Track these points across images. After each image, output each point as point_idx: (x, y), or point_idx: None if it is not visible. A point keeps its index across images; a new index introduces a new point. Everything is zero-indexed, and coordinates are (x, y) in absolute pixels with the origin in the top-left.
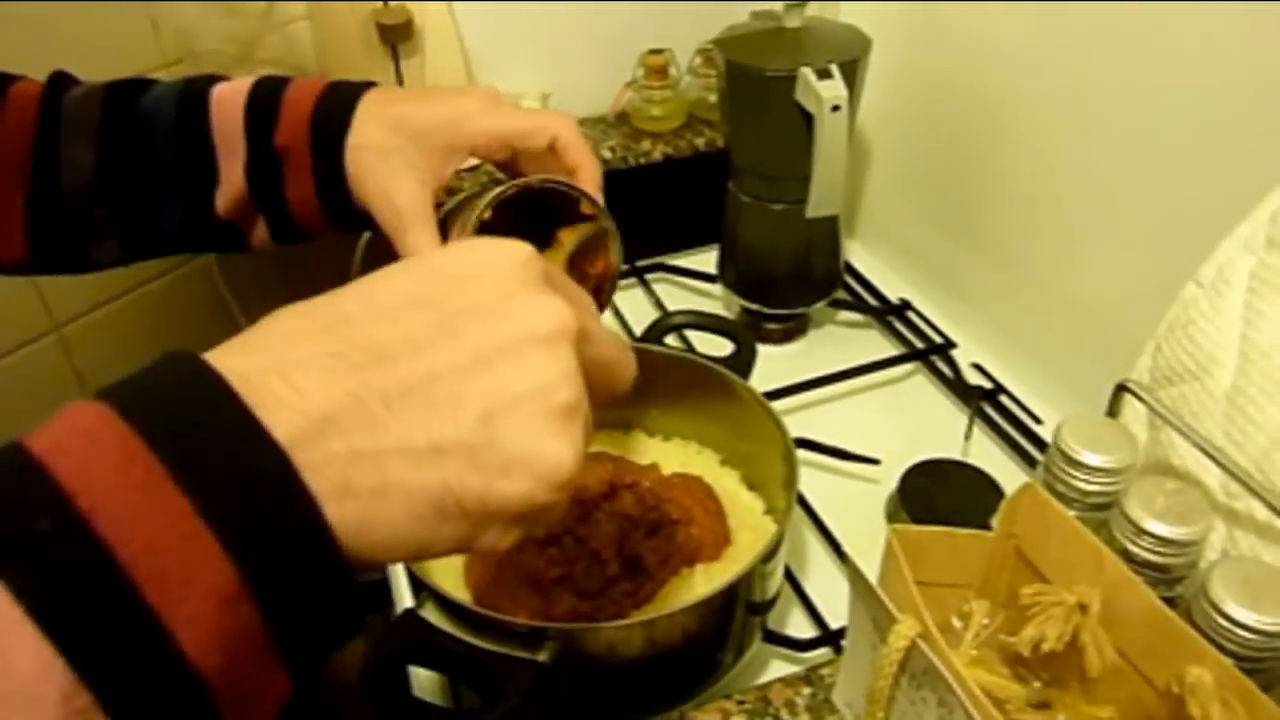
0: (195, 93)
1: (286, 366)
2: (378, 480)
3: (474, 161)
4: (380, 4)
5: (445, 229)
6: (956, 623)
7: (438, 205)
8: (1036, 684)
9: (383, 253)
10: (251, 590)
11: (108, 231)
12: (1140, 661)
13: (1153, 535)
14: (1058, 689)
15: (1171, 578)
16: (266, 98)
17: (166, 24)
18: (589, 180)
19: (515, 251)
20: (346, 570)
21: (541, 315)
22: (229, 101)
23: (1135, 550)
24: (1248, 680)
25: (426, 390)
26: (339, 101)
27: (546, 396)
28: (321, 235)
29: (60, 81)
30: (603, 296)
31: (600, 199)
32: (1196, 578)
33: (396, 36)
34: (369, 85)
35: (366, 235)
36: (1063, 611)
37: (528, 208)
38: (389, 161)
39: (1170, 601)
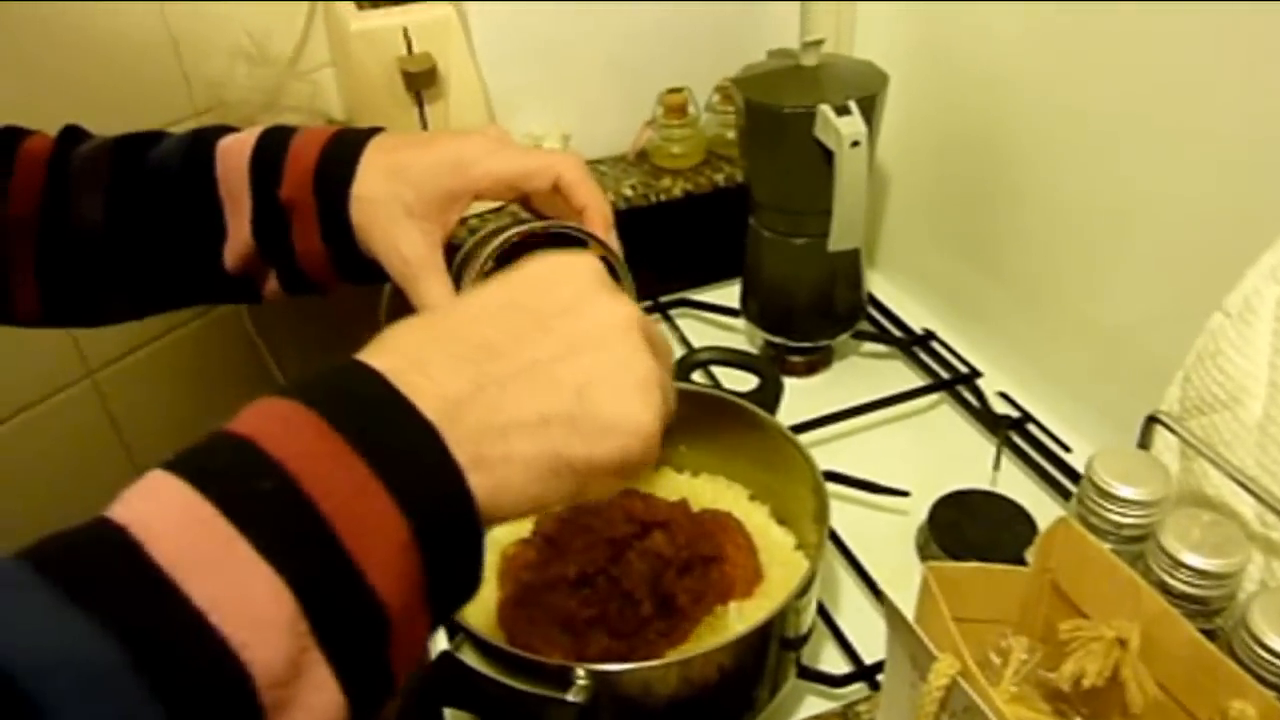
0: (201, 146)
1: (422, 363)
2: (503, 450)
3: (491, 204)
4: (405, 53)
5: (465, 267)
6: (995, 659)
7: (457, 246)
8: (1077, 719)
9: (406, 298)
10: (418, 542)
11: (118, 286)
12: (1182, 696)
13: (1190, 568)
14: None
15: (1210, 610)
16: (271, 150)
17: (196, 75)
18: (597, 218)
19: (586, 263)
20: (481, 530)
21: (614, 309)
22: (234, 155)
23: (1173, 583)
24: None
25: (530, 375)
26: (343, 152)
27: (626, 371)
28: (333, 288)
29: (70, 136)
30: None
31: (610, 236)
32: (1235, 610)
33: (421, 84)
34: (375, 132)
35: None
36: (1102, 646)
37: (544, 244)
38: (391, 213)
39: (1209, 634)
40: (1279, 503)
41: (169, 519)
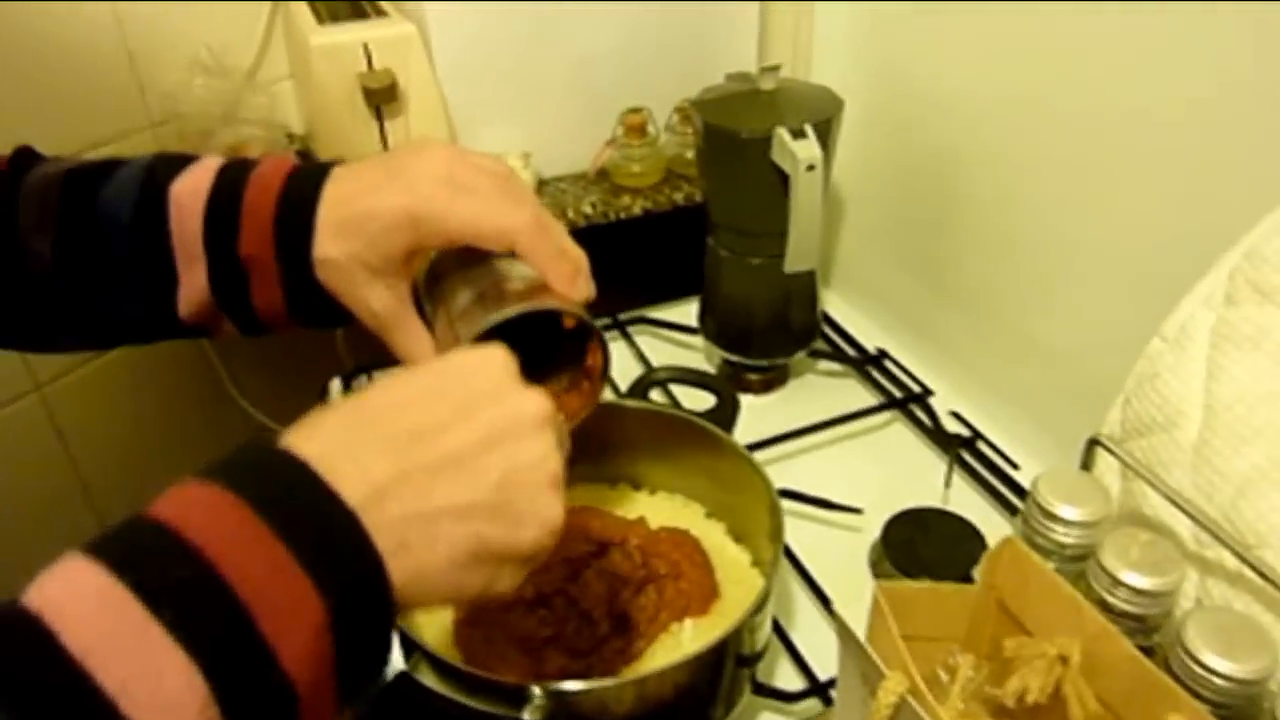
0: (153, 191)
1: (348, 449)
2: (429, 535)
3: None
4: (365, 69)
5: (436, 290)
6: (943, 675)
7: (424, 279)
8: None
9: None
10: (332, 624)
11: (67, 323)
12: (1121, 710)
13: (1128, 586)
14: None
15: (1148, 627)
16: (226, 201)
17: (152, 86)
18: (558, 278)
19: (496, 355)
20: (393, 616)
21: (526, 405)
22: (187, 206)
23: (1112, 601)
24: None
25: (456, 462)
26: (299, 205)
27: (540, 469)
28: (290, 330)
29: (22, 162)
30: (596, 385)
31: (580, 286)
32: (1172, 626)
33: (381, 99)
34: (328, 170)
35: None
36: (1044, 663)
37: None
38: (354, 275)
39: (1148, 650)
40: (1212, 523)
41: (84, 605)
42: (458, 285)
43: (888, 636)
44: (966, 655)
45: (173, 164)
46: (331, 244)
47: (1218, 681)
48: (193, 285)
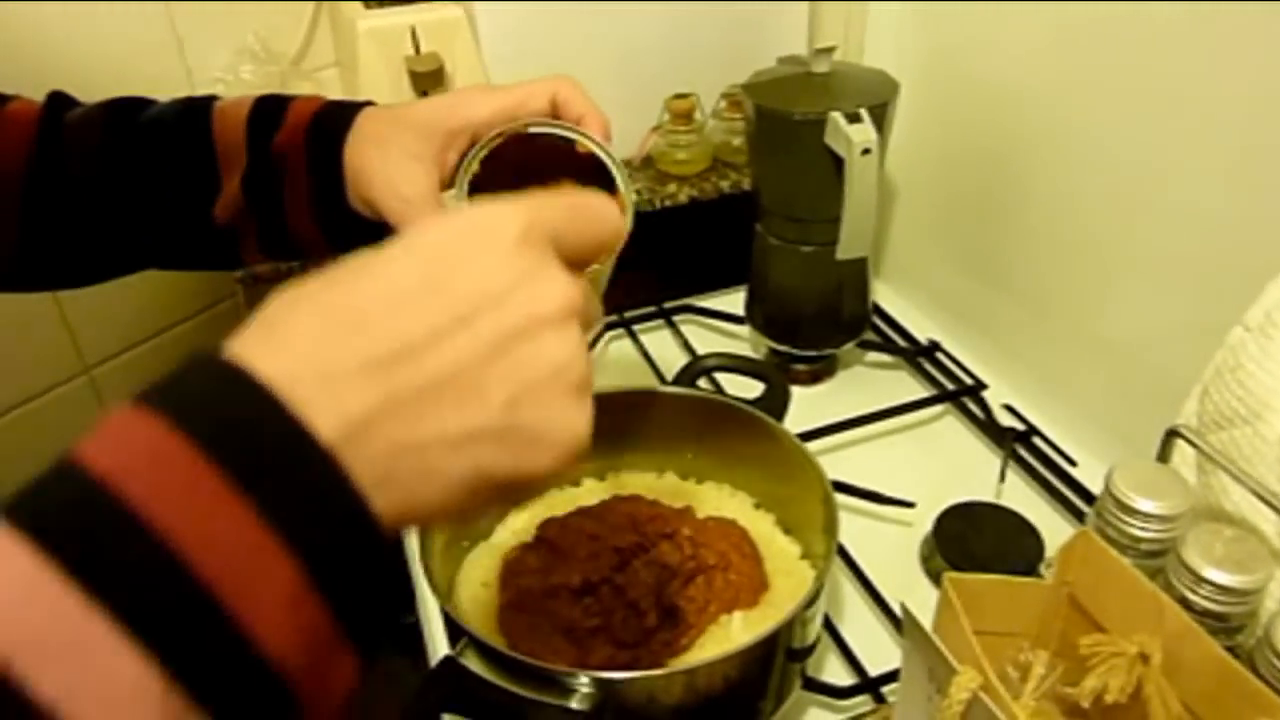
0: (198, 104)
1: (322, 372)
2: (419, 467)
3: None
4: (412, 53)
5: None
6: (1012, 673)
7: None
8: None
9: None
10: (315, 585)
11: (104, 240)
12: (1204, 713)
13: (1213, 584)
14: None
15: (1231, 627)
16: (271, 106)
17: (200, 74)
18: (595, 126)
19: (510, 223)
20: (391, 550)
21: (547, 296)
22: (232, 114)
23: (1194, 599)
24: None
25: (454, 381)
26: (339, 109)
27: (561, 377)
28: (316, 253)
29: (59, 100)
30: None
31: (608, 145)
32: (1257, 626)
33: (428, 84)
34: (370, 102)
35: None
36: (1125, 662)
37: (528, 166)
38: (390, 152)
39: (1230, 651)
40: None
41: (9, 592)
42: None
43: (958, 630)
44: (1039, 652)
45: (211, 96)
46: (368, 129)
47: None
48: (231, 188)
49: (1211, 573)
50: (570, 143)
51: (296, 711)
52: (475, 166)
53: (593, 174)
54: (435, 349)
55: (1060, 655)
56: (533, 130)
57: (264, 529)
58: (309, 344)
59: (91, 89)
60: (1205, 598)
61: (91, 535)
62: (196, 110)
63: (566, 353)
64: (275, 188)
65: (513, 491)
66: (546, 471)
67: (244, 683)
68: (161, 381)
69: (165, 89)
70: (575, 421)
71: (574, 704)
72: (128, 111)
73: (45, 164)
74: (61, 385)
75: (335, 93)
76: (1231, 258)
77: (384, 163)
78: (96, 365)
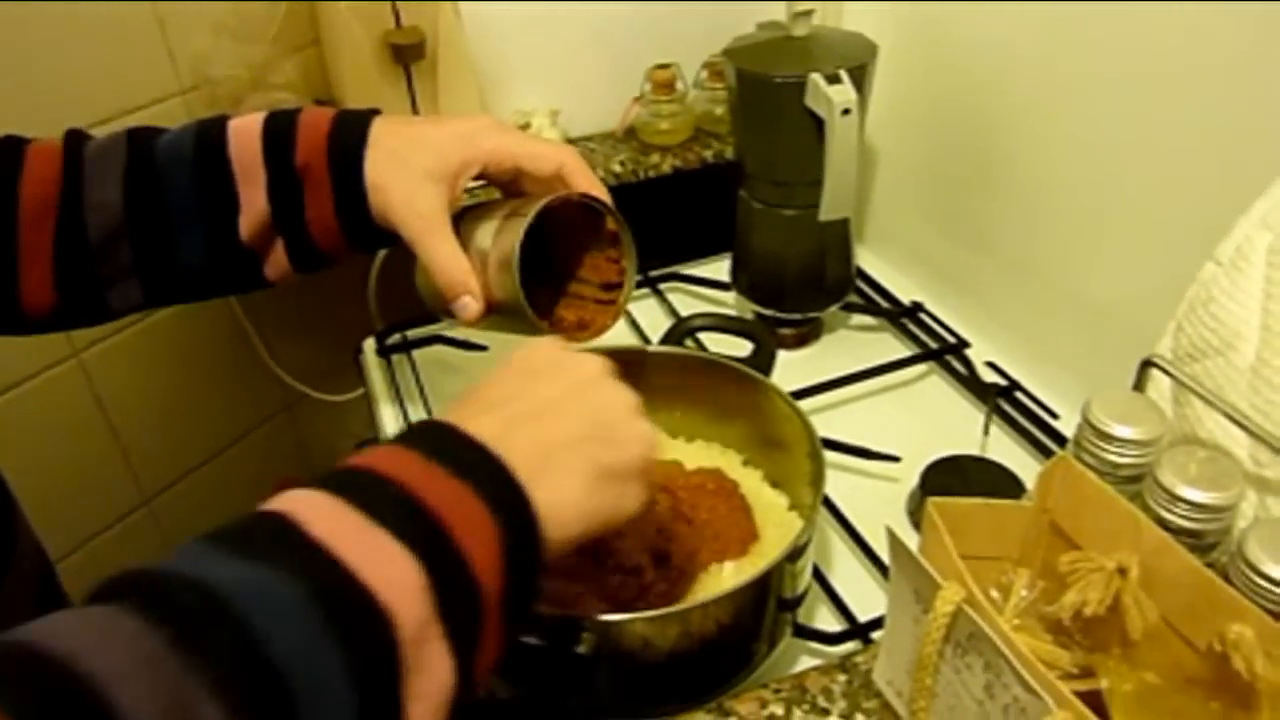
0: (212, 126)
1: (466, 418)
2: (554, 463)
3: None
4: (393, 26)
5: (458, 234)
6: (995, 594)
7: (455, 217)
8: (1078, 651)
9: (395, 269)
10: (504, 541)
11: (131, 273)
12: (1181, 624)
13: (1188, 501)
14: (1099, 655)
15: (1206, 544)
16: (282, 122)
17: (182, 52)
18: (605, 197)
19: (547, 342)
20: (543, 548)
21: (589, 364)
22: (245, 131)
23: (1170, 518)
24: None
25: (550, 410)
26: (353, 122)
27: (619, 401)
28: (338, 260)
29: (77, 136)
30: (621, 298)
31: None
32: (1230, 542)
33: (410, 56)
34: (376, 111)
35: (381, 254)
36: (1103, 576)
37: (568, 213)
38: (409, 170)
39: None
40: (1273, 438)
41: (317, 509)
42: (485, 212)
43: (942, 551)
44: (1020, 571)
45: (224, 115)
46: (387, 144)
47: None
48: (253, 204)
49: (1186, 491)
50: (593, 211)
51: (479, 636)
52: (534, 219)
53: (590, 230)
54: (528, 395)
55: (1042, 577)
56: (582, 201)
57: (475, 498)
58: (454, 412)
59: (75, 71)
60: (1181, 516)
61: (368, 488)
62: (211, 131)
63: (617, 390)
64: (299, 202)
65: (629, 484)
66: (641, 461)
67: (464, 591)
68: (402, 433)
69: (148, 70)
70: (640, 427)
71: (572, 648)
72: (146, 138)
73: (73, 197)
74: (52, 368)
75: (317, 70)
76: (1201, 220)
77: (403, 181)
78: (85, 349)
